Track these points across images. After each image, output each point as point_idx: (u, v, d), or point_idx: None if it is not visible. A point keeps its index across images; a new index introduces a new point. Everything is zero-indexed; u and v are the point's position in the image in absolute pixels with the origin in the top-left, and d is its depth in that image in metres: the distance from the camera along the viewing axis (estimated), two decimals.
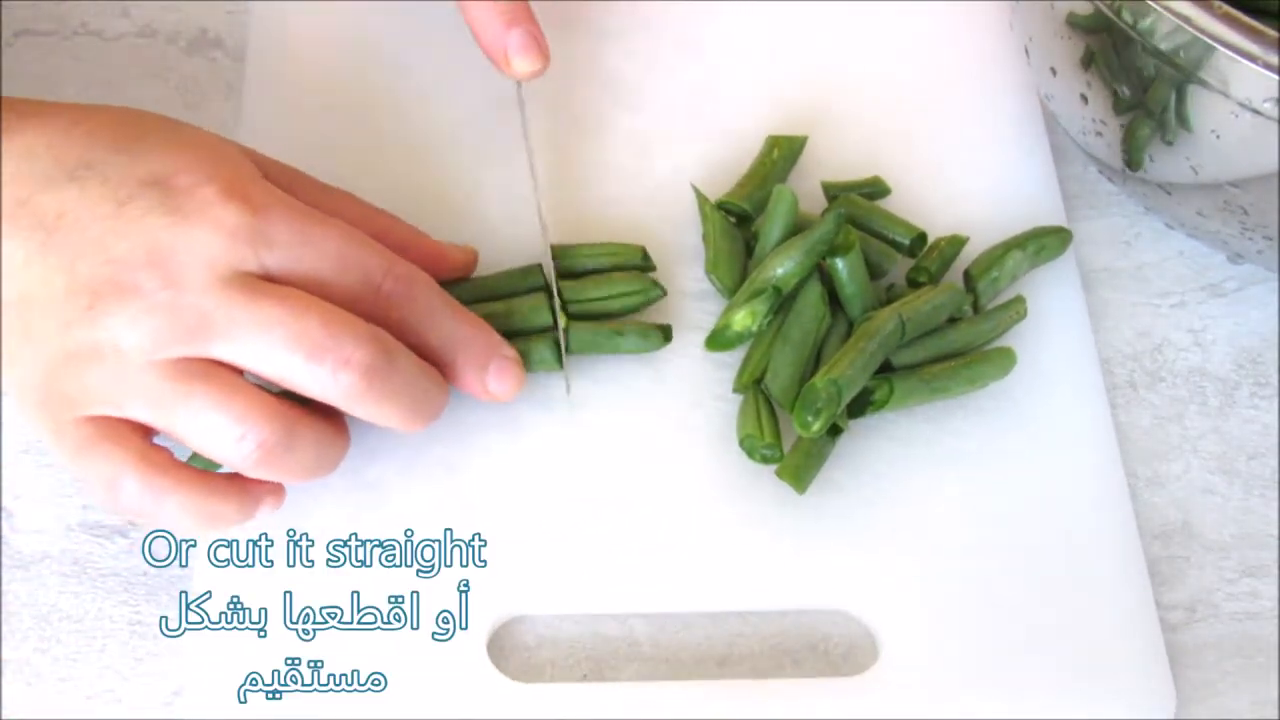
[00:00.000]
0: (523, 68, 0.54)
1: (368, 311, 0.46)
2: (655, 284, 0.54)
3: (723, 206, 0.57)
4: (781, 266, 0.53)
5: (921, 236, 0.57)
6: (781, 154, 0.58)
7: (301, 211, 0.46)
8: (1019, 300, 0.56)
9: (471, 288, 0.53)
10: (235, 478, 0.47)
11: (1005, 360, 0.54)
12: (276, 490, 0.48)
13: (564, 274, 0.54)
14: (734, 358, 0.54)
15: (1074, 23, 0.55)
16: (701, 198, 0.57)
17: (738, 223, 0.57)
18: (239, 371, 0.45)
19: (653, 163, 0.59)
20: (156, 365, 0.44)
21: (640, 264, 0.55)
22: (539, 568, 0.50)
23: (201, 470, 0.46)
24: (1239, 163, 0.52)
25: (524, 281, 0.54)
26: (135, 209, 0.44)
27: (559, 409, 0.53)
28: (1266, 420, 0.57)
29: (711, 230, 0.55)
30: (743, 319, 0.53)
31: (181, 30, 0.62)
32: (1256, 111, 0.49)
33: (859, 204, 0.57)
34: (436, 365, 0.49)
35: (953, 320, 0.54)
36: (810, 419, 0.50)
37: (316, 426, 0.46)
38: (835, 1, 0.65)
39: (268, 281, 0.45)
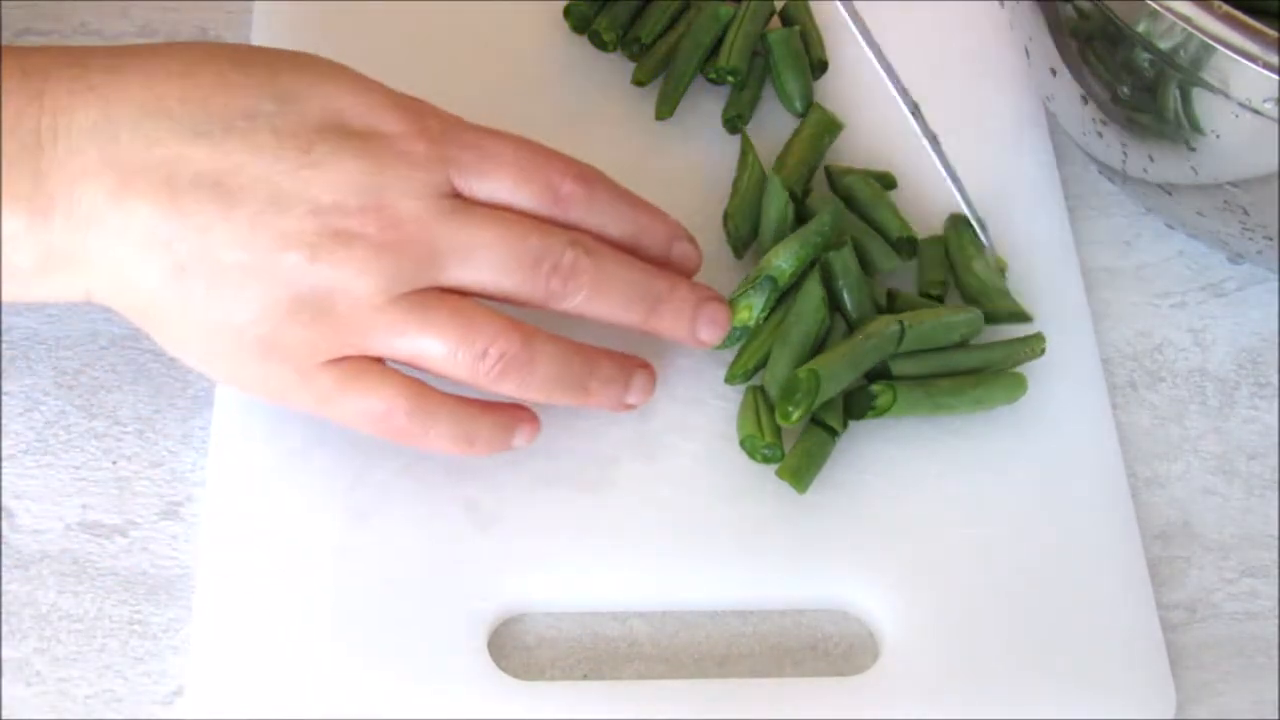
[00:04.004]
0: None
1: (548, 216, 0.48)
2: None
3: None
4: (778, 259, 0.53)
5: (911, 240, 0.56)
6: (828, 134, 0.59)
7: (468, 127, 0.48)
8: (1038, 337, 0.55)
9: None
10: (491, 403, 0.49)
11: (1015, 386, 0.53)
12: (531, 419, 0.50)
13: None
14: (734, 356, 0.54)
15: (1059, 26, 0.55)
16: (747, 143, 0.57)
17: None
18: (465, 296, 0.47)
19: (648, 161, 0.59)
20: (394, 301, 0.45)
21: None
22: (539, 566, 0.50)
23: (460, 395, 0.48)
24: (1239, 163, 0.52)
25: None
26: (320, 155, 0.45)
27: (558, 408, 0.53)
28: (1266, 420, 0.57)
29: (747, 179, 0.56)
30: (741, 314, 0.53)
31: (181, 30, 0.62)
32: (1256, 111, 0.49)
33: (868, 188, 0.57)
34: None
35: (964, 343, 0.54)
36: (790, 409, 0.50)
37: (554, 341, 0.48)
38: (835, 1, 0.64)
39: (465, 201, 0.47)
